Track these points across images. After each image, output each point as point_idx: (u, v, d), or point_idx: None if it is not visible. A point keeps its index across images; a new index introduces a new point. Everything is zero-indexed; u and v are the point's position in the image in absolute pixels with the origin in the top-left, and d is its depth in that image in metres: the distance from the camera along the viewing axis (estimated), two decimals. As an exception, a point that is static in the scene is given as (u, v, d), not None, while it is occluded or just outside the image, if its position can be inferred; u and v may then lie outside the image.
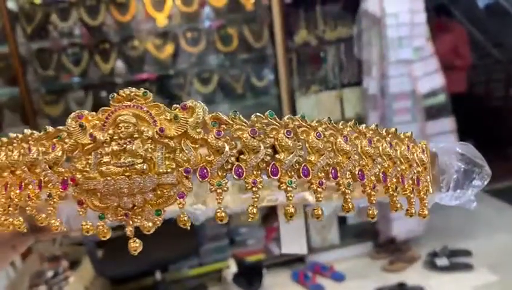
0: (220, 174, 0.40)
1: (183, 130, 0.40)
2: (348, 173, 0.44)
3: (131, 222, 0.40)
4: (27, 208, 0.42)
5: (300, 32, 3.08)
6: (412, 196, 0.49)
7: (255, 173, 0.41)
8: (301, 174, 0.42)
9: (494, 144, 3.58)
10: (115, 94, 0.41)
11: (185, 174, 0.39)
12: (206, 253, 3.06)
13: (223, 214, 0.40)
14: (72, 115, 0.41)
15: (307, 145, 0.43)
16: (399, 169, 0.48)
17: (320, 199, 0.42)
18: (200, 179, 0.40)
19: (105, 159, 0.39)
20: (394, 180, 0.47)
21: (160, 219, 0.40)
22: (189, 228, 0.40)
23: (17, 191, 0.43)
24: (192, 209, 0.66)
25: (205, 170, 0.40)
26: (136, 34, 2.94)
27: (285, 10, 2.94)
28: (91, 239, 2.40)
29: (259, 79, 3.09)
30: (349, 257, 3.26)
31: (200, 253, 3.01)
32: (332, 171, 0.43)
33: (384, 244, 3.24)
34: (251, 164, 0.40)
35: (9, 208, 0.43)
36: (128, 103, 0.40)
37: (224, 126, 0.41)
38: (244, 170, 0.40)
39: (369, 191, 0.45)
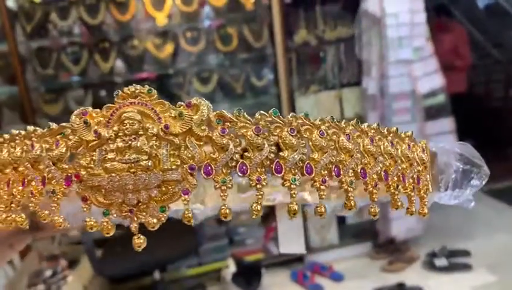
0: (224, 171, 0.40)
1: (187, 128, 0.40)
2: (351, 171, 0.44)
3: (135, 218, 0.40)
4: (30, 205, 0.42)
5: (300, 32, 3.08)
6: (412, 194, 0.49)
7: (259, 170, 0.41)
8: (304, 172, 0.42)
9: (493, 145, 3.59)
10: (119, 91, 0.41)
11: (189, 171, 0.40)
12: (205, 253, 3.06)
13: (228, 211, 0.40)
14: (76, 111, 0.41)
15: (310, 143, 0.43)
16: (400, 168, 0.48)
17: (323, 196, 0.43)
18: (205, 176, 0.40)
19: (110, 155, 0.39)
20: (395, 178, 0.47)
21: (165, 215, 0.40)
22: (193, 224, 0.40)
23: (20, 188, 0.43)
24: (191, 208, 0.66)
25: (210, 167, 0.40)
26: (136, 33, 2.94)
27: (285, 10, 2.94)
28: (90, 238, 2.40)
29: (258, 79, 3.09)
30: (348, 257, 3.26)
31: (199, 252, 3.01)
32: (335, 169, 0.44)
33: (383, 245, 3.24)
34: (255, 161, 0.41)
35: (12, 205, 0.43)
36: (133, 100, 0.40)
37: (228, 124, 0.41)
38: (248, 167, 0.41)
39: (371, 189, 0.45)
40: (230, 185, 0.40)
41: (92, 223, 0.40)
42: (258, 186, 0.41)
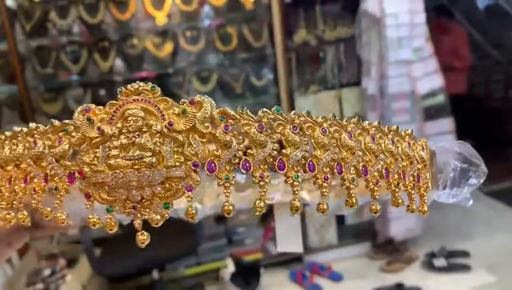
0: (227, 168, 0.40)
1: (191, 125, 0.40)
2: (352, 168, 0.45)
3: (139, 215, 0.40)
4: (33, 202, 0.42)
5: (300, 32, 3.08)
6: (412, 192, 0.49)
7: (262, 167, 0.41)
8: (307, 169, 0.42)
9: (493, 145, 3.60)
10: (123, 88, 0.41)
11: (193, 167, 0.40)
12: (203, 252, 3.06)
13: (231, 207, 0.40)
14: (80, 108, 0.41)
15: (312, 140, 0.44)
16: (400, 165, 0.49)
17: (326, 193, 0.43)
18: (208, 173, 0.40)
19: (114, 152, 0.39)
20: (396, 176, 0.48)
21: (169, 211, 0.40)
22: (196, 221, 0.40)
23: (22, 185, 0.43)
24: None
25: (213, 164, 0.40)
26: (136, 33, 2.93)
27: (285, 10, 2.94)
28: (88, 237, 2.40)
29: (258, 78, 3.09)
30: (347, 257, 3.26)
31: (198, 252, 3.01)
32: (337, 166, 0.44)
33: (382, 245, 3.24)
34: (258, 158, 0.41)
35: (14, 202, 0.43)
36: (137, 97, 0.41)
37: (231, 121, 0.41)
38: (251, 164, 0.41)
39: (372, 186, 0.46)
40: (233, 182, 0.40)
41: (95, 219, 0.40)
42: (261, 183, 0.41)
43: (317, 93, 3.16)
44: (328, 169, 0.43)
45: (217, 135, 0.40)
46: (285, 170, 0.42)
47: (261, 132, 0.41)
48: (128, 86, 0.41)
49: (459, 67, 3.84)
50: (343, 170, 0.44)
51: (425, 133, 2.98)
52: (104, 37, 2.89)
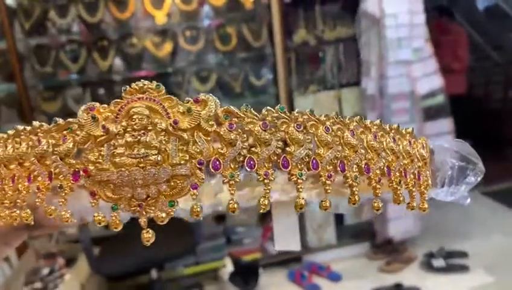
0: (232, 166, 0.41)
1: (196, 123, 0.40)
2: (355, 166, 0.45)
3: (144, 213, 0.40)
4: (36, 200, 0.42)
5: (299, 32, 3.08)
6: (413, 189, 0.50)
7: (266, 165, 0.41)
8: (311, 167, 0.43)
9: (491, 146, 3.60)
10: (127, 86, 0.41)
11: (198, 165, 0.40)
12: (202, 252, 3.06)
13: (236, 205, 0.41)
14: (84, 107, 0.41)
15: (315, 138, 0.44)
16: (402, 163, 0.49)
17: (329, 191, 0.43)
18: (213, 171, 0.40)
19: (119, 150, 0.39)
20: (397, 174, 0.48)
21: (174, 209, 0.40)
22: (201, 218, 0.40)
23: (26, 184, 0.43)
24: (187, 206, 0.66)
25: (218, 162, 0.40)
26: (135, 32, 2.93)
27: (285, 9, 2.94)
28: (87, 236, 2.40)
29: (257, 78, 3.09)
30: (346, 257, 3.27)
31: (197, 252, 3.01)
32: (340, 164, 0.44)
33: (381, 245, 3.24)
34: (263, 156, 0.41)
35: (18, 201, 0.43)
36: (141, 96, 0.41)
37: (236, 119, 0.41)
38: (256, 162, 0.41)
39: (375, 184, 0.46)
40: (238, 180, 0.41)
41: (100, 218, 0.40)
42: (265, 181, 0.41)
43: (316, 93, 3.16)
44: (331, 167, 0.44)
45: (221, 133, 0.41)
46: (289, 168, 0.42)
47: (265, 130, 0.41)
48: (133, 85, 0.41)
49: (459, 68, 3.85)
50: (346, 167, 0.44)
51: (424, 134, 2.95)
52: (104, 36, 2.89)
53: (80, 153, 0.41)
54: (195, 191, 0.40)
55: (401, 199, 0.48)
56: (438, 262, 2.97)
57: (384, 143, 0.48)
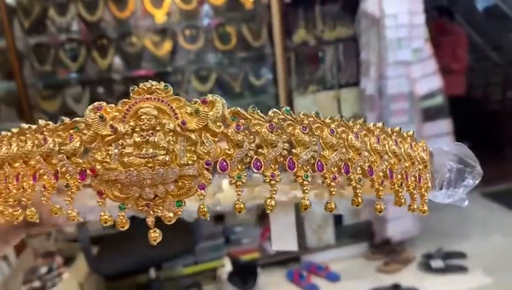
0: (239, 167, 0.41)
1: (204, 124, 0.41)
2: (359, 168, 0.46)
3: (152, 212, 0.40)
4: (42, 199, 0.42)
5: (299, 32, 3.08)
6: (414, 192, 0.50)
7: (273, 166, 0.42)
8: (316, 169, 0.43)
9: (490, 147, 3.61)
10: (135, 87, 0.41)
11: (205, 166, 0.40)
12: (201, 251, 3.06)
13: (242, 205, 0.41)
14: (91, 106, 0.41)
15: (321, 141, 0.44)
16: (403, 166, 0.50)
17: (334, 192, 0.44)
18: (220, 172, 0.41)
19: (128, 150, 0.39)
20: (399, 176, 0.49)
21: (182, 209, 0.41)
22: (208, 219, 0.40)
23: (31, 182, 0.43)
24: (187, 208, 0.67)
25: (225, 163, 0.41)
26: (134, 31, 2.93)
27: (284, 9, 2.94)
28: (86, 235, 2.39)
29: (257, 78, 3.09)
30: (345, 257, 3.27)
31: (195, 251, 3.01)
32: (345, 166, 0.45)
33: (379, 245, 3.25)
34: (269, 157, 0.41)
35: (22, 199, 0.43)
36: (149, 96, 0.41)
37: (243, 121, 0.42)
38: (262, 163, 0.41)
39: (378, 186, 0.46)
40: (245, 181, 0.41)
41: (107, 217, 0.40)
42: (272, 182, 0.41)
43: (316, 93, 3.16)
44: (336, 169, 0.44)
45: (229, 134, 0.41)
46: (295, 170, 0.42)
47: (271, 132, 0.42)
48: (141, 85, 0.41)
49: (458, 69, 3.85)
50: (350, 170, 0.45)
51: (423, 135, 2.99)
52: (103, 34, 2.89)
53: (87, 152, 0.41)
54: (202, 191, 0.40)
55: (402, 201, 0.48)
56: (436, 263, 2.97)
57: (387, 146, 0.49)
